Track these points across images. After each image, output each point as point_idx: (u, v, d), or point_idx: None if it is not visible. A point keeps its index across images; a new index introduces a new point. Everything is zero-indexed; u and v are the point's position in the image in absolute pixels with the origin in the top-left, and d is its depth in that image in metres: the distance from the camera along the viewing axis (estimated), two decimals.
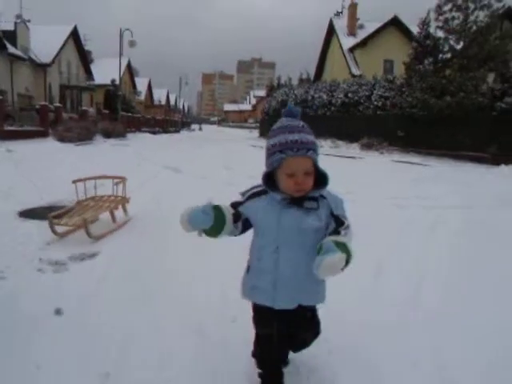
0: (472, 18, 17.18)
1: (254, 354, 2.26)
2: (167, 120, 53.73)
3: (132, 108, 46.78)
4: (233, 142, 29.03)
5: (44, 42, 36.07)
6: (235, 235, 2.03)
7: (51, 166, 10.29)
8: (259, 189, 1.98)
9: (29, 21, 37.66)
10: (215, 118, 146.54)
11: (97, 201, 5.61)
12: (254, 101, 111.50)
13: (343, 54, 33.62)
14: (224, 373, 2.38)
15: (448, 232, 5.46)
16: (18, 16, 36.59)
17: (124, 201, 5.75)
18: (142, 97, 66.63)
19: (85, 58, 45.50)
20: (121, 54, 32.77)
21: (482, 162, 14.97)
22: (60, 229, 4.79)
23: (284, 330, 2.08)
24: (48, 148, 15.33)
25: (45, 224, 4.80)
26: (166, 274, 3.72)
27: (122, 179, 5.82)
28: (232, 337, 2.70)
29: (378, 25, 33.14)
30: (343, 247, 1.74)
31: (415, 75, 17.77)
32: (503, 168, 13.31)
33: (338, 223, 1.89)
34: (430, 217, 6.20)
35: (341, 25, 36.14)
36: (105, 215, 5.37)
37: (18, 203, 6.18)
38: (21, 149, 13.82)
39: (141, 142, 23.03)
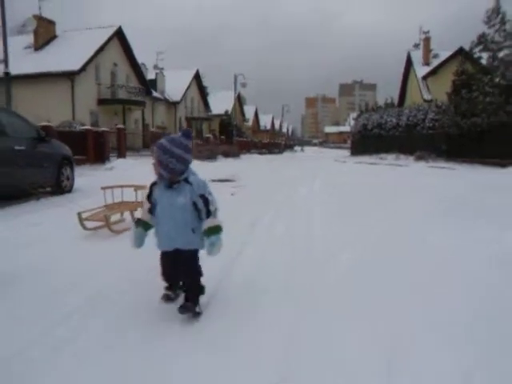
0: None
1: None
2: (272, 143, 61.68)
3: (243, 133, 54.59)
4: (323, 158, 36.04)
5: (174, 85, 45.27)
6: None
7: (209, 171, 17.97)
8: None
9: (162, 69, 47.86)
10: (316, 140, 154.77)
11: (121, 204, 6.46)
12: (352, 122, 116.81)
13: (417, 81, 39.07)
14: None
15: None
16: (156, 66, 46.69)
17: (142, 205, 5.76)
18: (250, 122, 73.76)
19: (203, 94, 54.08)
20: (235, 93, 40.99)
21: (498, 166, 19.79)
22: (90, 225, 5.70)
23: (171, 262, 3.12)
24: (195, 163, 23.50)
25: None
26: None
27: (142, 187, 6.04)
28: None
29: (449, 54, 37.35)
30: (216, 230, 2.93)
31: (452, 104, 23.12)
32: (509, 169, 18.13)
33: (205, 201, 2.93)
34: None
35: (417, 55, 41.54)
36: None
37: None
38: None
39: (251, 160, 31.16)
